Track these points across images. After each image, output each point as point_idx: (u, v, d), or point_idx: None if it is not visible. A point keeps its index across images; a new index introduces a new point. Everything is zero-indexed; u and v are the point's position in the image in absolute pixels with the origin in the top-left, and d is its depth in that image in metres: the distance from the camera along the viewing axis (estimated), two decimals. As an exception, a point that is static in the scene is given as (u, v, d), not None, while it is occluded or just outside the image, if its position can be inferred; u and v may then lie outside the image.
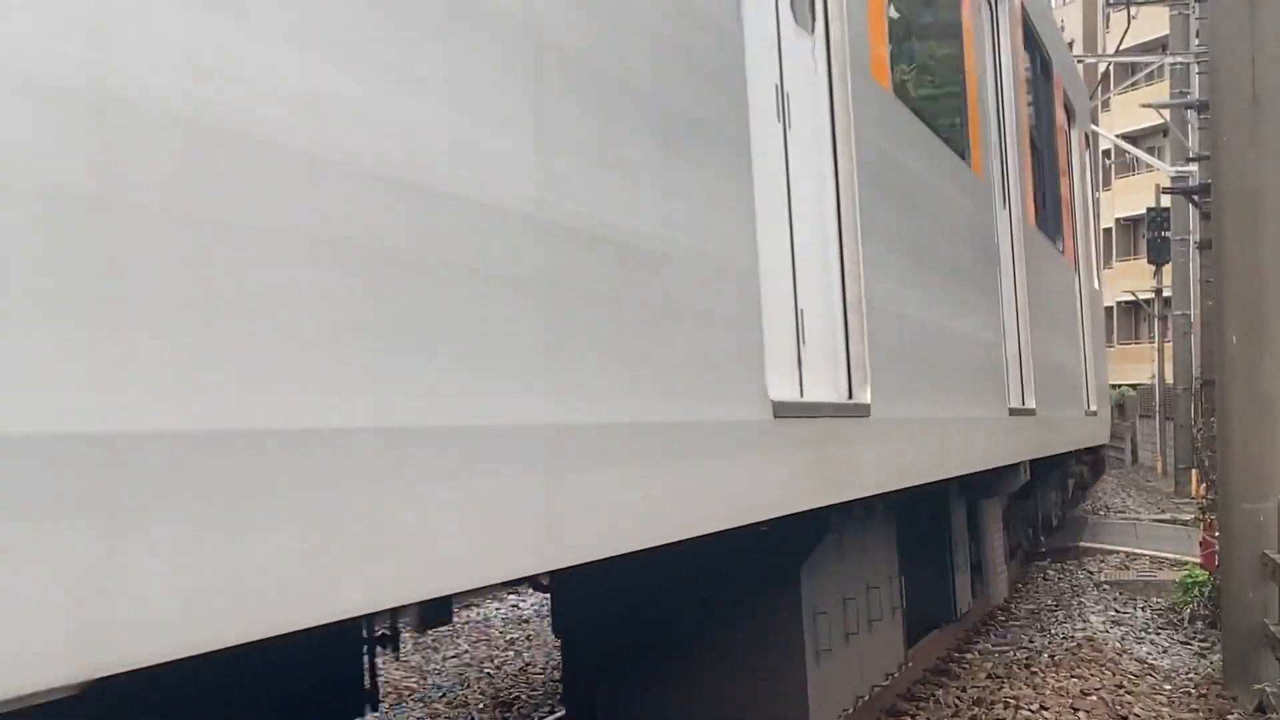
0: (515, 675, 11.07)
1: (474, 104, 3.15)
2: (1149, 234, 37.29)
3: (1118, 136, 45.15)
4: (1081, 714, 9.39)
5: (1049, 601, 14.94)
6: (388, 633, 5.20)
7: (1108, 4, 38.51)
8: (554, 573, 3.49)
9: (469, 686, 10.74)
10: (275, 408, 2.46)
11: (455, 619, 13.46)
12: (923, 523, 9.87)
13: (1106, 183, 60.34)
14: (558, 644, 9.41)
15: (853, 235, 6.11)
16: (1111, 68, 44.03)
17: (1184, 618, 13.71)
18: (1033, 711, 9.39)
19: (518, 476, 3.19)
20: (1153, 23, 40.66)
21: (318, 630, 2.63)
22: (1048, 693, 9.84)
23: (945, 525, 10.21)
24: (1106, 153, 59.09)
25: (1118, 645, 12.11)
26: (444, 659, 11.94)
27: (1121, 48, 35.62)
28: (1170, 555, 17.65)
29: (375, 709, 4.93)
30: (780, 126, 5.51)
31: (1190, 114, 30.34)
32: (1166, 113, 33.57)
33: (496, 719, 9.55)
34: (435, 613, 4.66)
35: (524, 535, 3.20)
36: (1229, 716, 9.70)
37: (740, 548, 6.06)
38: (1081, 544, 19.38)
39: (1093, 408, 16.03)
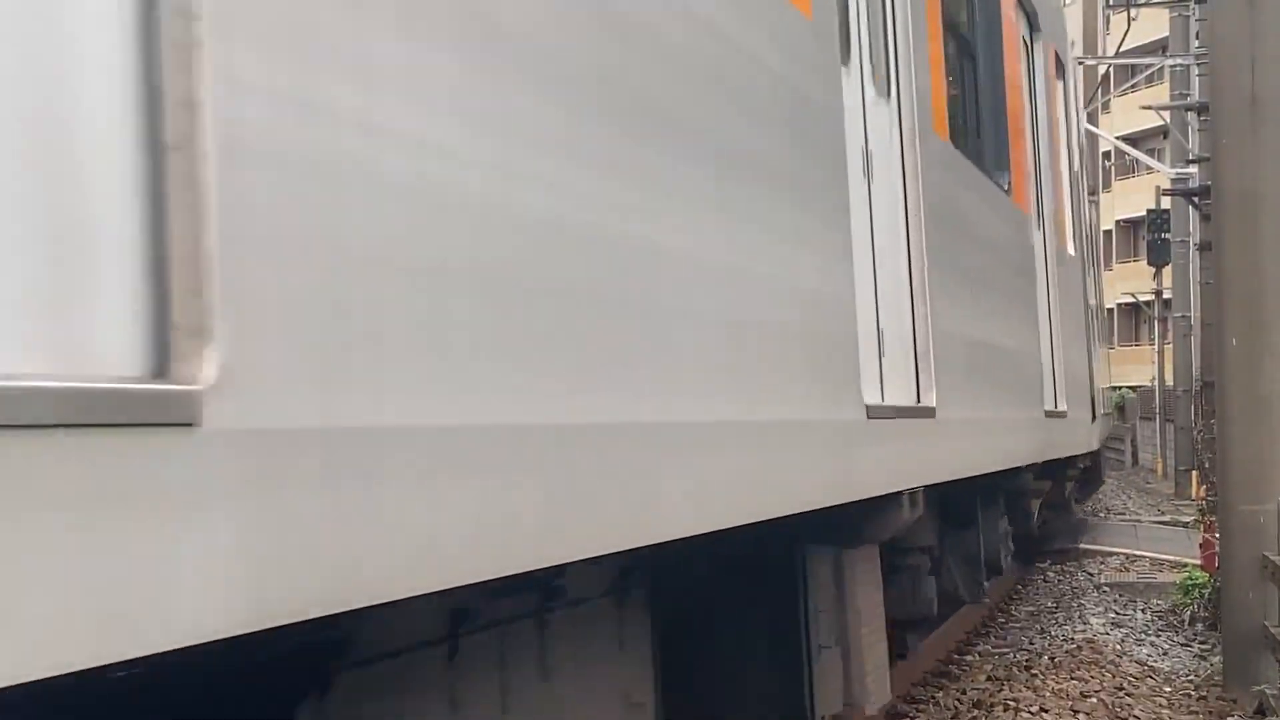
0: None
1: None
2: (1149, 236, 37.33)
3: (1118, 138, 45.20)
4: (1081, 716, 9.38)
5: (1049, 603, 14.94)
6: None
7: (1108, 6, 38.56)
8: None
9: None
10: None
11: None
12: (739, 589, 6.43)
13: (1107, 185, 60.35)
14: None
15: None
16: (1111, 69, 44.06)
17: (1184, 620, 13.71)
18: (1032, 714, 9.39)
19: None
20: (1152, 24, 40.66)
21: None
22: (1048, 695, 9.84)
23: (791, 594, 6.55)
24: (1106, 155, 59.11)
25: (1118, 647, 12.11)
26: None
27: (1121, 50, 35.64)
28: (1170, 557, 17.64)
29: None
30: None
31: (1190, 116, 30.34)
32: (1166, 114, 33.58)
33: None
34: None
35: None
36: (1229, 718, 9.69)
37: None
38: (1081, 546, 19.39)
39: (1059, 406, 12.10)
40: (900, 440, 6.67)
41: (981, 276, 9.13)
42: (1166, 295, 38.53)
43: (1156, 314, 41.87)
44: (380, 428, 2.61)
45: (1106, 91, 47.23)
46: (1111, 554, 18.97)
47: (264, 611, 2.28)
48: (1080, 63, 40.76)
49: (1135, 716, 9.51)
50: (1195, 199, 28.11)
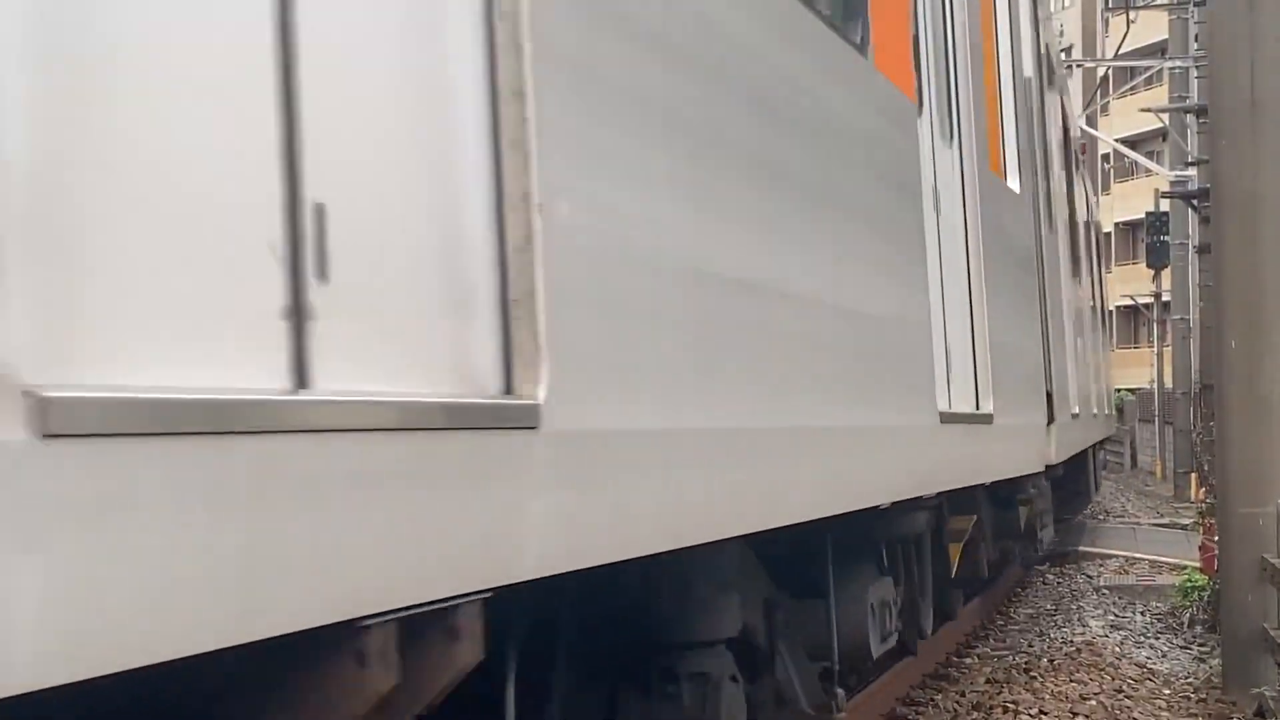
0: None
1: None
2: (1148, 238, 37.32)
3: (1117, 141, 45.19)
4: (1081, 718, 9.38)
5: (1048, 606, 14.94)
6: None
7: (1107, 8, 38.56)
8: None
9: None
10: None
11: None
12: None
13: (1106, 187, 60.37)
14: None
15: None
16: (1110, 72, 44.08)
17: (1183, 622, 13.70)
18: (1032, 716, 9.39)
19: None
20: (1151, 27, 40.66)
21: None
22: (1047, 697, 9.83)
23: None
24: (1105, 157, 59.11)
25: (1117, 650, 12.10)
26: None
27: (1120, 52, 35.64)
28: (1170, 559, 17.64)
29: None
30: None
31: (1189, 118, 30.34)
32: (1165, 117, 33.59)
33: None
34: None
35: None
36: (1228, 721, 9.70)
37: None
38: (1080, 548, 19.38)
39: (981, 407, 8.32)
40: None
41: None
42: (1165, 298, 38.55)
43: (1155, 316, 41.88)
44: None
45: (1105, 94, 47.25)
46: (1111, 556, 18.96)
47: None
48: (1079, 65, 40.78)
49: (1134, 719, 9.51)
50: (1194, 201, 28.12)
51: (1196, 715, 9.87)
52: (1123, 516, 26.11)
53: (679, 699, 5.11)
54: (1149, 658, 12.04)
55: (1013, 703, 9.67)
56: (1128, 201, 59.92)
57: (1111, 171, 64.24)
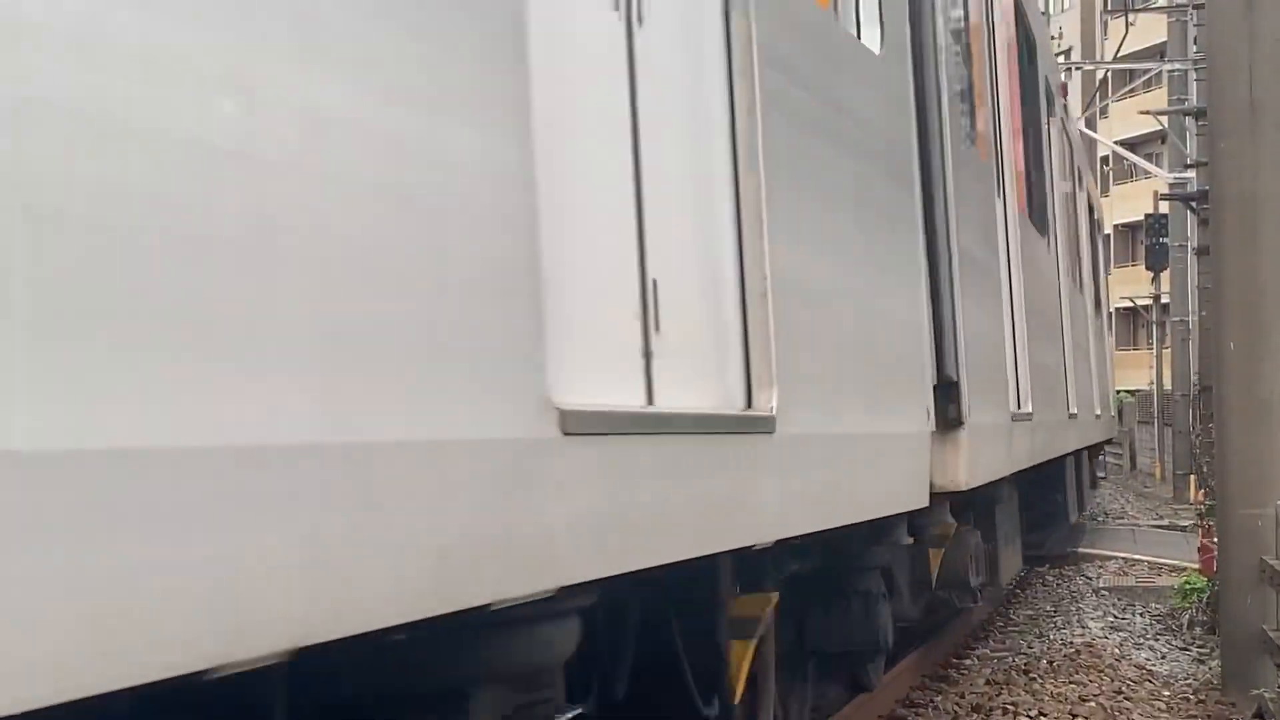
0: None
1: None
2: (1147, 240, 37.29)
3: (1116, 143, 45.21)
4: (1080, 720, 9.39)
5: (1047, 607, 14.94)
6: None
7: (1106, 11, 38.59)
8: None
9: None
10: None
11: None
12: None
13: (1105, 190, 60.37)
14: None
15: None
16: (1109, 74, 44.11)
17: (1182, 623, 13.71)
18: (1031, 717, 9.39)
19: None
20: (1150, 29, 40.68)
21: None
22: (1046, 699, 9.84)
23: None
24: (1105, 159, 59.09)
25: (1116, 651, 12.11)
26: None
27: (1120, 54, 35.66)
28: (1169, 561, 17.64)
29: None
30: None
31: (1188, 120, 30.37)
32: (1164, 119, 33.61)
33: None
34: None
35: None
36: (1227, 722, 9.70)
37: None
38: (1080, 550, 19.38)
39: (755, 404, 5.25)
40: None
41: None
42: (1164, 299, 38.54)
43: (1154, 318, 41.86)
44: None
45: (1104, 96, 47.26)
46: (1110, 558, 18.97)
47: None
48: (1078, 68, 40.77)
49: (1134, 720, 9.52)
50: (1193, 204, 28.13)
51: (1196, 717, 9.88)
52: (1122, 518, 26.12)
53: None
54: (1148, 659, 12.05)
55: (1012, 704, 9.68)
56: (1127, 204, 59.90)
57: (1111, 174, 64.25)
